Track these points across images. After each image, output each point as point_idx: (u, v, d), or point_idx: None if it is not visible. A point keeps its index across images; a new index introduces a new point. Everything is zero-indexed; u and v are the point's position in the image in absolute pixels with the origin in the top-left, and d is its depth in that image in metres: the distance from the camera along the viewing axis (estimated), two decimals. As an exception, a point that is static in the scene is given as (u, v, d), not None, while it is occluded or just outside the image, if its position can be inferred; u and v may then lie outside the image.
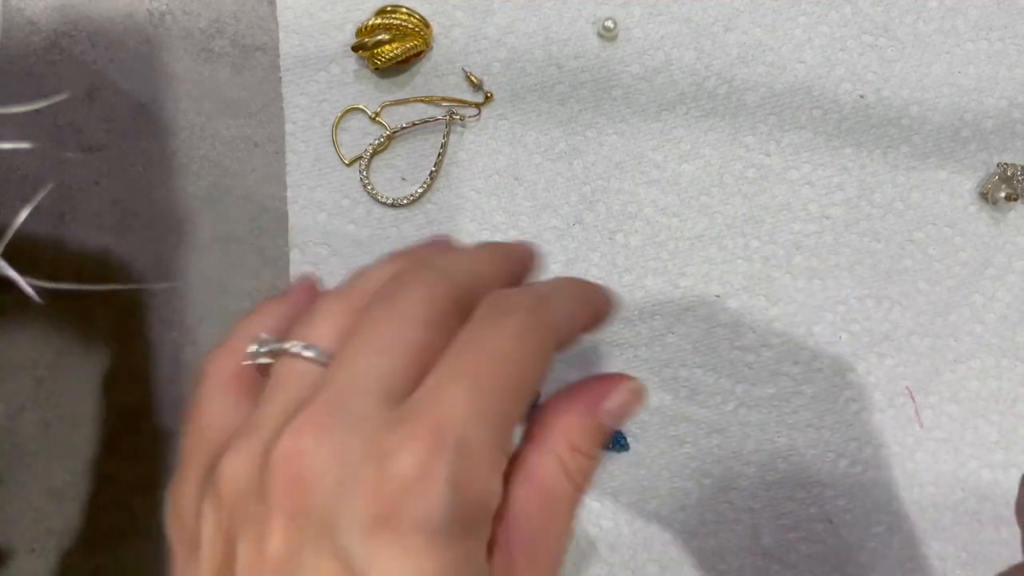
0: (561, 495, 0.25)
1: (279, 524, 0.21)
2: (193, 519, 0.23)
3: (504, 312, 0.24)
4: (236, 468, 0.22)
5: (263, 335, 0.25)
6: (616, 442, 0.40)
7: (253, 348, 0.25)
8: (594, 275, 0.40)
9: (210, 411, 0.25)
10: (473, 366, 0.23)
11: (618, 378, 0.27)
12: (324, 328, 0.24)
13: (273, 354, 0.24)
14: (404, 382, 0.23)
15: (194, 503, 0.24)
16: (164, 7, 0.41)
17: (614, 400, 0.27)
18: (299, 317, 0.26)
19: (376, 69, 0.40)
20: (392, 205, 0.41)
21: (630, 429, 0.40)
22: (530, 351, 0.23)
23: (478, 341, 0.23)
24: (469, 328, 0.24)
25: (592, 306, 0.27)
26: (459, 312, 0.24)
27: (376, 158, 0.41)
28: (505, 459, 0.23)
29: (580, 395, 0.27)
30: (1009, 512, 0.40)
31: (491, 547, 0.24)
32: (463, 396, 0.22)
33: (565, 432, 0.26)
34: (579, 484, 0.26)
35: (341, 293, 0.26)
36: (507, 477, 0.24)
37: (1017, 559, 0.40)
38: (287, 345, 0.24)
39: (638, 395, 0.28)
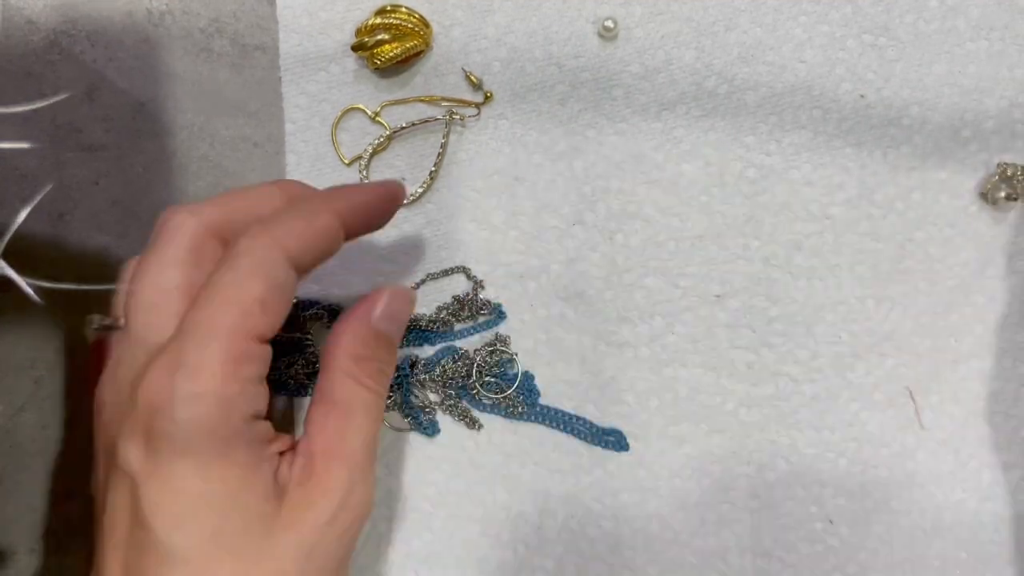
0: (356, 401, 0.30)
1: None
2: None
3: (234, 253, 0.28)
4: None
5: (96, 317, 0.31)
6: (616, 442, 0.40)
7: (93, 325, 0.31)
8: (594, 275, 0.40)
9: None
10: (204, 299, 0.27)
11: (385, 289, 0.32)
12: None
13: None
14: (169, 327, 0.27)
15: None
16: (164, 6, 0.41)
17: (381, 306, 0.32)
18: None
19: (376, 69, 0.40)
20: (392, 205, 0.41)
21: (630, 430, 0.40)
22: (252, 274, 0.27)
23: (212, 279, 0.27)
24: (213, 272, 0.28)
25: (329, 211, 0.30)
26: (217, 244, 0.29)
27: (376, 158, 0.41)
28: (251, 368, 0.27)
29: (353, 312, 0.32)
30: (1008, 512, 0.40)
31: (294, 462, 0.29)
32: (192, 326, 0.26)
33: (346, 347, 0.30)
34: (373, 387, 0.31)
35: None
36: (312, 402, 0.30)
37: (1016, 559, 0.40)
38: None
39: (403, 298, 0.33)
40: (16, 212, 0.39)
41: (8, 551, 0.40)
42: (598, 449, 0.40)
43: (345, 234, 0.31)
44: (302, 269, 0.29)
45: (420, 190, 0.41)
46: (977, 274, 0.40)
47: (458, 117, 0.41)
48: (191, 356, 0.26)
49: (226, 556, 0.26)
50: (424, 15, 0.40)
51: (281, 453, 0.29)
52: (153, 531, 0.26)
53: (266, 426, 0.29)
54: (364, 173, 0.41)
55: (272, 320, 0.28)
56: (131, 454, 0.26)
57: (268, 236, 0.28)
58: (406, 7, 0.40)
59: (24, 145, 0.41)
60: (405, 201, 0.41)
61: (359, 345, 0.31)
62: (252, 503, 0.27)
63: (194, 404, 0.25)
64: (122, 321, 0.29)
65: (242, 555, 0.26)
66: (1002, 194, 0.39)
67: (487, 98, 0.41)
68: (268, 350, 0.28)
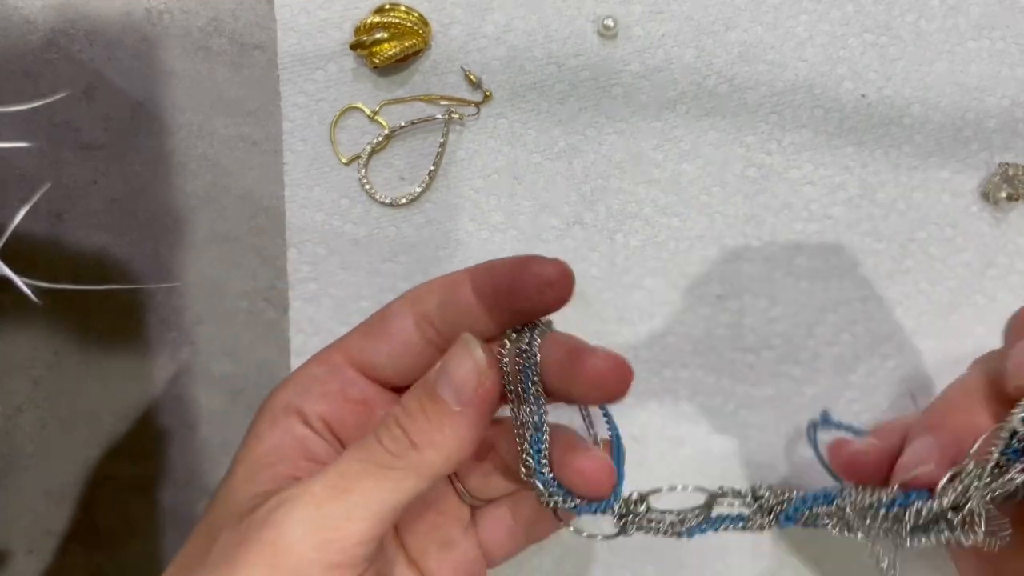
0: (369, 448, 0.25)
1: None
2: None
3: None
4: None
5: None
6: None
7: None
8: (593, 275, 0.40)
9: None
10: None
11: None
12: None
13: None
14: None
15: None
16: (162, 5, 0.41)
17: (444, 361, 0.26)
18: None
19: (374, 68, 0.40)
20: (390, 204, 0.41)
21: (630, 431, 0.40)
22: None
23: None
24: None
25: None
26: None
27: (374, 157, 0.41)
28: None
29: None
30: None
31: None
32: None
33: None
34: (384, 446, 0.25)
35: None
36: None
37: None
38: None
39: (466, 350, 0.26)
40: (14, 211, 0.39)
41: (7, 551, 0.40)
42: (597, 450, 0.40)
43: None
44: None
45: (419, 190, 0.40)
46: (978, 274, 0.40)
47: (457, 116, 0.40)
48: None
49: None
50: (423, 13, 0.40)
51: None
52: None
53: None
54: (363, 172, 0.41)
55: None
56: None
57: None
58: (405, 5, 0.40)
59: (22, 144, 0.40)
60: (403, 201, 0.41)
61: (409, 394, 0.26)
62: None
63: None
64: None
65: None
66: (1003, 194, 0.39)
67: (486, 97, 0.41)
68: None
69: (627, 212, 0.40)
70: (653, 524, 0.28)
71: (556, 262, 0.26)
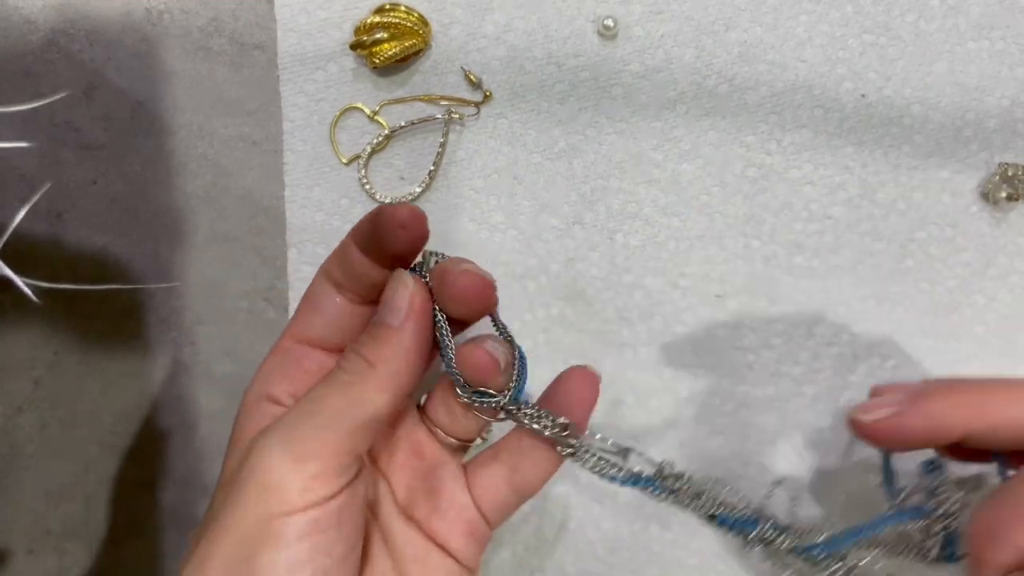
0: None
1: None
2: None
3: None
4: None
5: None
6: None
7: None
8: (593, 275, 0.40)
9: None
10: None
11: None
12: None
13: None
14: None
15: None
16: (162, 6, 0.41)
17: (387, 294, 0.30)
18: None
19: (374, 68, 0.40)
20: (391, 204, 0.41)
21: (629, 430, 0.40)
22: None
23: None
24: None
25: None
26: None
27: (374, 157, 0.41)
28: None
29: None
30: (1010, 513, 0.40)
31: None
32: None
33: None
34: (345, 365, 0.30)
35: None
36: None
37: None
38: None
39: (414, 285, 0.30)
40: (14, 211, 0.39)
41: (7, 551, 0.40)
42: (597, 450, 0.40)
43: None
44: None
45: (419, 190, 0.40)
46: (978, 274, 0.40)
47: (457, 116, 0.40)
48: None
49: None
50: (423, 13, 0.40)
51: None
52: None
53: None
54: (363, 172, 0.41)
55: None
56: None
57: None
58: (405, 5, 0.40)
59: (23, 144, 0.40)
60: (403, 201, 0.40)
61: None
62: None
63: None
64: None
65: None
66: (1003, 194, 0.39)
67: (486, 97, 0.41)
68: None
69: (627, 212, 0.40)
70: (582, 453, 0.31)
71: (406, 205, 0.30)
